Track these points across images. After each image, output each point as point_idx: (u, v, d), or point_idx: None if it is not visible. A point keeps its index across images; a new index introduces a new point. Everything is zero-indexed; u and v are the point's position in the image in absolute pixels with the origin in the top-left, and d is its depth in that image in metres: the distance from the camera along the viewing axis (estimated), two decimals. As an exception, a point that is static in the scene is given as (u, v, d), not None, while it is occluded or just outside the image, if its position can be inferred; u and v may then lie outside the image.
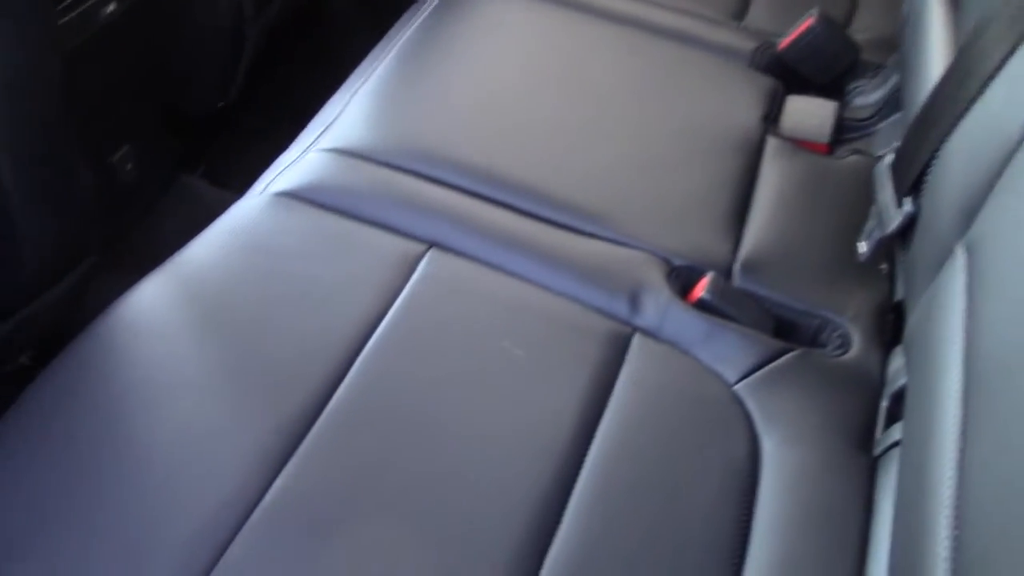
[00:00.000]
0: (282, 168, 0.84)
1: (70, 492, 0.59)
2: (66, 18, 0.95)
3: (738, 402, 0.72)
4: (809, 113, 0.99)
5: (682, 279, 0.81)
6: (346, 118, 0.89)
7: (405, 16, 1.06)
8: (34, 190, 0.81)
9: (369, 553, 0.59)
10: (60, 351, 0.95)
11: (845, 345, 0.78)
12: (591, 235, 0.83)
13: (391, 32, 1.03)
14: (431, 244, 0.79)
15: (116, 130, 1.11)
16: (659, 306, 0.77)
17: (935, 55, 0.82)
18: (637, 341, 0.75)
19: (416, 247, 0.78)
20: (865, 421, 0.72)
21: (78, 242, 0.91)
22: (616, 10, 1.09)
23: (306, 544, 0.59)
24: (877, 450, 0.69)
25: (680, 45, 1.05)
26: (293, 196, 0.80)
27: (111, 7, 1.02)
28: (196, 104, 1.20)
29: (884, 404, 0.72)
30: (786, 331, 0.81)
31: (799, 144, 0.96)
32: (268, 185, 0.82)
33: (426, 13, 1.03)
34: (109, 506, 0.59)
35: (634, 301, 0.78)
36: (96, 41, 1.03)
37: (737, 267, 0.83)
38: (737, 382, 0.74)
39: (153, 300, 0.72)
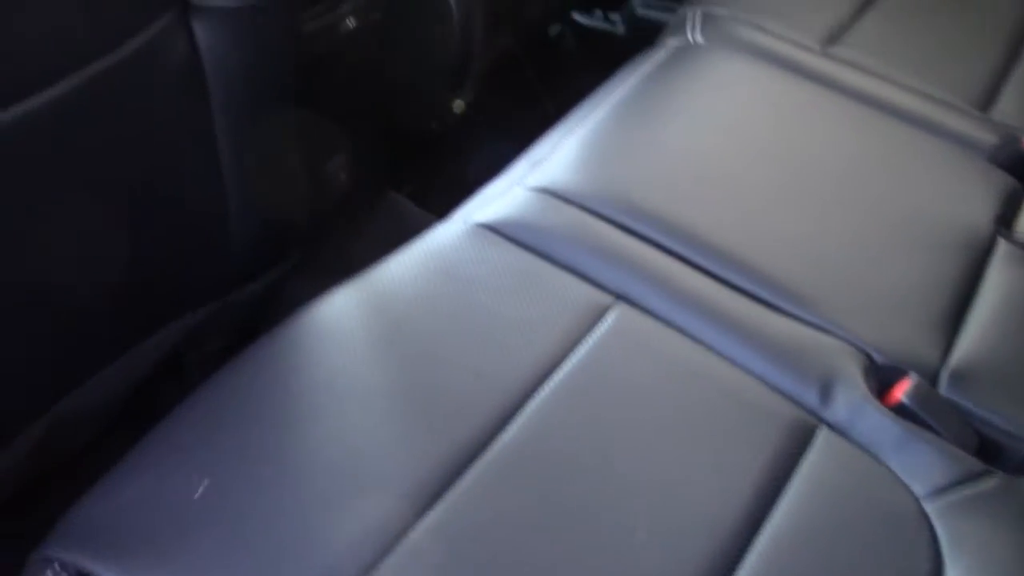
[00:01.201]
0: (487, 199, 0.85)
1: (225, 490, 0.61)
2: (312, 25, 1.00)
3: (926, 520, 0.66)
4: (1050, 221, 0.92)
5: (881, 377, 0.76)
6: (557, 158, 0.88)
7: (631, 64, 1.05)
8: (252, 185, 0.85)
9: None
10: (248, 345, 0.99)
11: (1055, 480, 0.71)
12: (788, 313, 0.79)
13: (614, 78, 1.02)
14: (621, 297, 0.77)
15: (334, 139, 1.16)
16: (852, 402, 0.72)
17: None
18: (823, 435, 0.71)
19: (605, 298, 0.77)
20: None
21: (283, 242, 0.95)
22: (847, 82, 1.05)
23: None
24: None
25: (912, 128, 1.00)
26: (493, 229, 0.80)
27: (351, 21, 1.06)
28: (414, 124, 1.23)
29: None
30: (990, 452, 0.74)
31: (1033, 253, 0.89)
32: (471, 214, 0.83)
33: (652, 65, 1.02)
34: (259, 511, 0.60)
35: (825, 392, 0.73)
36: (330, 53, 1.07)
37: (945, 374, 0.77)
38: (927, 498, 0.68)
39: (342, 309, 0.73)
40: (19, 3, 0.59)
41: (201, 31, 0.73)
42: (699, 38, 1.09)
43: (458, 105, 1.17)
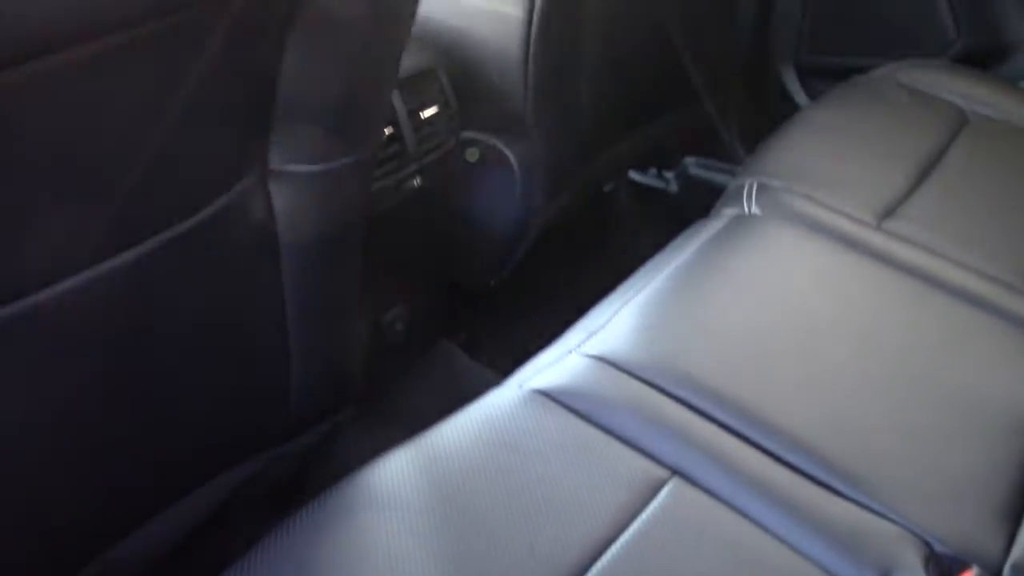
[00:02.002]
0: (543, 365, 0.85)
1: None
2: (379, 184, 1.03)
3: None
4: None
5: (942, 568, 0.74)
6: (613, 327, 0.89)
7: (687, 232, 1.07)
8: (313, 335, 0.87)
9: None
10: (300, 490, 0.99)
11: None
12: (846, 496, 0.77)
13: (670, 246, 1.04)
14: (676, 472, 0.77)
15: (393, 291, 1.18)
16: (913, 593, 0.71)
17: None
18: (883, 626, 0.69)
19: (661, 472, 0.76)
20: None
21: (341, 391, 0.96)
22: (902, 257, 1.05)
23: None
24: None
25: (971, 308, 0.99)
26: (549, 396, 0.81)
27: (416, 180, 1.10)
28: (470, 278, 1.26)
29: None
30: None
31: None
32: (527, 380, 0.83)
33: (708, 234, 1.04)
34: None
35: (885, 581, 0.72)
36: (396, 209, 1.11)
37: (1008, 567, 0.75)
38: None
39: (396, 474, 0.73)
40: (120, 169, 0.62)
41: (277, 193, 0.76)
42: (755, 208, 1.11)
43: (471, 153, 1.17)
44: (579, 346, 0.87)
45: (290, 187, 0.77)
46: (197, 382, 0.79)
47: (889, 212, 1.13)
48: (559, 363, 0.85)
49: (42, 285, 0.61)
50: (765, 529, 0.74)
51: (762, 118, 1.65)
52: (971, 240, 1.10)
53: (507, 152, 1.16)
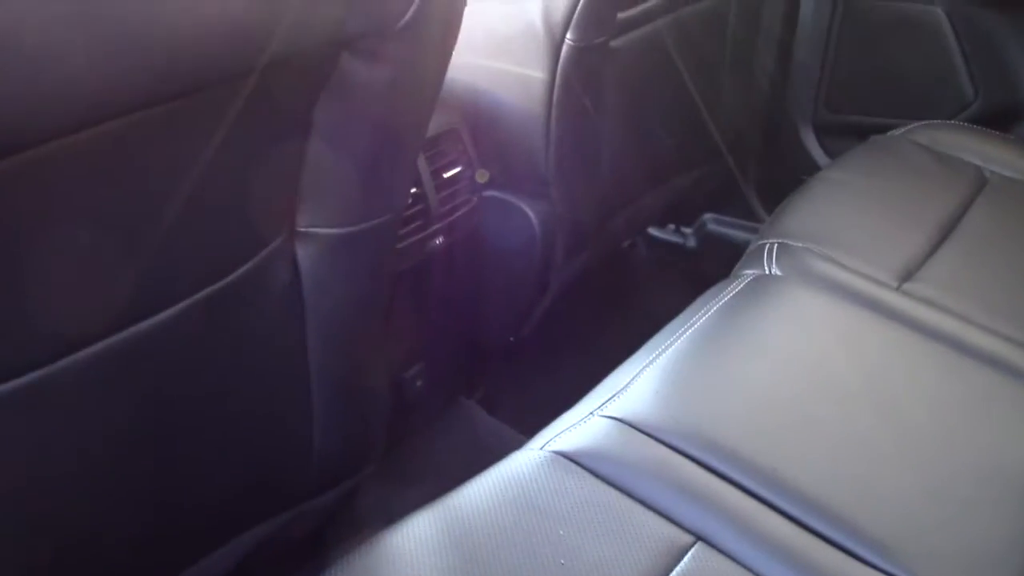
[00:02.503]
0: (564, 427, 0.85)
1: None
2: (402, 244, 1.04)
3: None
4: None
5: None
6: (635, 389, 0.89)
7: (709, 292, 1.07)
8: (337, 396, 0.87)
9: None
10: (321, 546, 0.99)
11: None
12: (871, 564, 0.77)
13: (693, 305, 1.04)
14: (700, 537, 0.76)
15: (413, 349, 1.19)
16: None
17: None
18: None
19: (684, 537, 0.76)
20: None
21: (364, 451, 0.96)
22: (923, 319, 1.05)
23: None
24: None
25: (994, 371, 0.99)
26: (571, 459, 0.81)
27: (439, 240, 1.11)
28: (490, 336, 1.26)
29: None
30: None
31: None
32: (548, 442, 0.83)
33: (730, 295, 1.04)
34: None
35: (912, 653, 0.71)
36: (416, 267, 1.11)
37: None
38: None
39: (419, 537, 0.73)
40: (143, 237, 0.63)
41: (304, 255, 0.77)
42: (776, 269, 1.12)
43: (481, 175, 1.17)
44: (600, 408, 0.87)
45: (317, 249, 0.77)
46: (220, 443, 0.79)
47: (910, 274, 1.13)
48: (581, 425, 0.85)
49: (61, 354, 0.61)
50: (789, 596, 0.73)
51: (780, 175, 1.66)
52: (992, 302, 1.09)
53: (528, 210, 1.17)
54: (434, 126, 1.09)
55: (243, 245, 0.72)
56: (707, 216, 1.74)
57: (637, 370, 0.92)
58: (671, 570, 0.73)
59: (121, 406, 0.68)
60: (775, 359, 0.96)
